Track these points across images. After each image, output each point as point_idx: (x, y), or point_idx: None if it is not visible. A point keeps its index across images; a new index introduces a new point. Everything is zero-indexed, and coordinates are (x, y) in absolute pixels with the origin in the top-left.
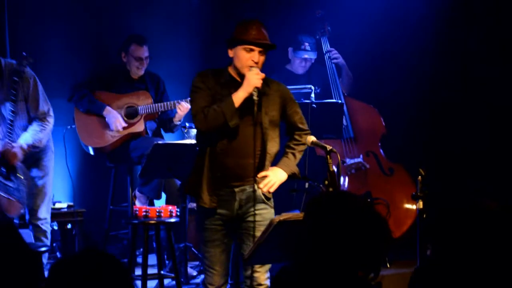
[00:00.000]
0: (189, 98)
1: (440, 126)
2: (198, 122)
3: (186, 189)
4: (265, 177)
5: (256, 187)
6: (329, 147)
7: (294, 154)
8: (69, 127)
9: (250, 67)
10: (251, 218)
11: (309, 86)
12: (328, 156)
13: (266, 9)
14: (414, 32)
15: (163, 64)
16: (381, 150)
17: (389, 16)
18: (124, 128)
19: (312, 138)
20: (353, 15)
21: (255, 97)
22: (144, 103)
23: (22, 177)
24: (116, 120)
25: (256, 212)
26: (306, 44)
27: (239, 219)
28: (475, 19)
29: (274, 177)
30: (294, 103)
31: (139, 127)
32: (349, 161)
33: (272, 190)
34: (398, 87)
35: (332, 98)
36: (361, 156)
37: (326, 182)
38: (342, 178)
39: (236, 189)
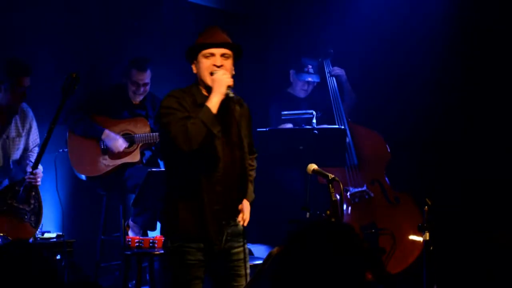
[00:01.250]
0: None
1: (447, 152)
2: (182, 143)
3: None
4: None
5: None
6: (331, 176)
7: (251, 182)
8: (61, 150)
9: (212, 72)
10: (239, 256)
11: (310, 111)
12: (330, 185)
13: (267, 32)
14: (420, 56)
15: (159, 88)
16: (387, 178)
17: (393, 39)
18: (121, 156)
19: (313, 166)
20: (356, 38)
21: (231, 94)
22: (141, 131)
23: (40, 198)
24: (116, 141)
25: (241, 248)
26: (310, 66)
27: (222, 255)
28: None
29: (246, 210)
30: (251, 122)
31: (135, 157)
32: (352, 189)
33: (246, 224)
34: (403, 112)
35: (335, 124)
36: (365, 184)
37: (328, 212)
38: (345, 208)
39: (224, 222)
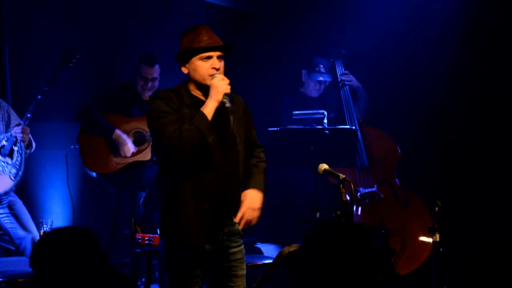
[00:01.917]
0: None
1: (458, 153)
2: (174, 148)
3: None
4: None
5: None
6: (342, 176)
7: (261, 173)
8: (72, 147)
9: (212, 75)
10: (236, 256)
11: (322, 111)
12: (341, 185)
13: (279, 31)
14: (432, 55)
15: (170, 86)
16: (397, 179)
17: (404, 38)
18: (132, 154)
19: (324, 166)
20: (366, 37)
21: (227, 105)
22: None
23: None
24: (125, 145)
25: (239, 248)
26: (321, 66)
27: (219, 254)
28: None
29: (250, 199)
30: (251, 116)
31: (146, 155)
32: (362, 190)
33: (254, 223)
34: (414, 113)
35: (346, 124)
36: (375, 185)
37: (339, 212)
38: (355, 208)
39: (215, 222)
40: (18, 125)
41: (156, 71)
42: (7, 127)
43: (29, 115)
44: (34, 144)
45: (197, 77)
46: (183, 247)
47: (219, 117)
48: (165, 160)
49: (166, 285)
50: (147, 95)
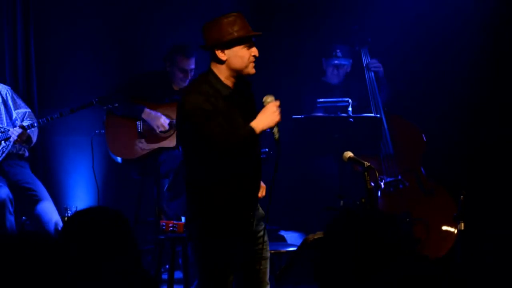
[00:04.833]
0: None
1: (486, 142)
2: (221, 152)
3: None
4: None
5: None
6: (367, 164)
7: None
8: (97, 131)
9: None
10: (263, 239)
11: (346, 99)
12: (366, 173)
13: (303, 19)
14: (459, 42)
15: (195, 75)
16: (422, 169)
17: (431, 26)
18: (158, 140)
19: (349, 154)
20: (393, 25)
21: (276, 136)
22: None
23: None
24: (157, 120)
25: (264, 231)
26: (338, 50)
27: (250, 239)
28: None
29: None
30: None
31: (171, 142)
32: (387, 178)
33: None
34: (441, 102)
35: (371, 112)
36: (400, 174)
37: (363, 200)
38: (379, 197)
39: (252, 208)
40: (22, 127)
41: (194, 61)
42: (8, 112)
43: (35, 124)
44: (34, 140)
45: (238, 64)
46: (220, 239)
47: (247, 103)
48: (198, 156)
49: (198, 277)
50: (184, 85)
